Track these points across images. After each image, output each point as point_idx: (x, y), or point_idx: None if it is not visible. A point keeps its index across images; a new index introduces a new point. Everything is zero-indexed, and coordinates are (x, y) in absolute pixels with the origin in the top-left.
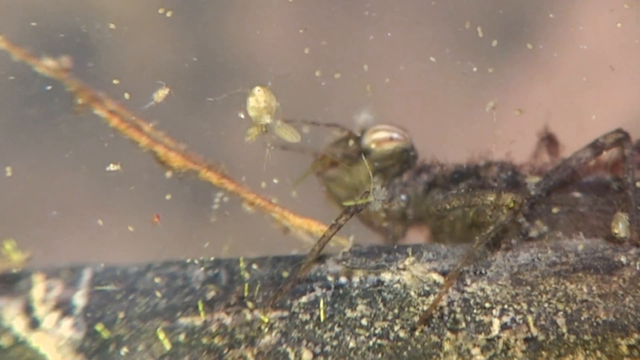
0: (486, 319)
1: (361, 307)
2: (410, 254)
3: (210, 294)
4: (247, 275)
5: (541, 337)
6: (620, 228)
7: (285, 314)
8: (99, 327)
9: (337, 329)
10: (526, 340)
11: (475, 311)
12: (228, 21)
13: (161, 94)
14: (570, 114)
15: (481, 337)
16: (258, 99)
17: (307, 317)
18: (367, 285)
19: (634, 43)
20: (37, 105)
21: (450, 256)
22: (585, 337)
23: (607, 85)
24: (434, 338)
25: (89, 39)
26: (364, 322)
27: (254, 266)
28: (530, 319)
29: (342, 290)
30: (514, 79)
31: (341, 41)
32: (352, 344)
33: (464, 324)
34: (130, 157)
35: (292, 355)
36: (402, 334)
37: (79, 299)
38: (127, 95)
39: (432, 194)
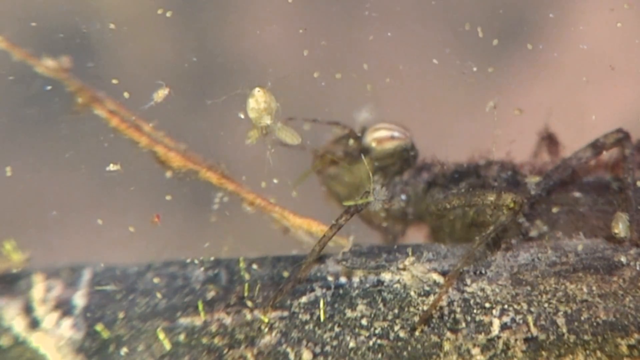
0: (486, 319)
1: (361, 307)
2: (410, 254)
3: (210, 294)
4: (247, 275)
5: (541, 337)
6: (620, 228)
7: (285, 314)
8: (99, 327)
9: (337, 329)
10: (526, 340)
11: (475, 311)
12: (228, 21)
13: (161, 94)
14: (570, 114)
15: (481, 337)
16: (258, 100)
17: (307, 317)
18: (367, 285)
19: (634, 43)
20: (37, 105)
21: (450, 256)
22: (585, 337)
23: (607, 85)
24: (434, 338)
25: (89, 39)
26: (364, 322)
27: (254, 266)
28: (530, 319)
29: (342, 290)
30: (514, 79)
31: (341, 41)
32: (352, 344)
33: (464, 324)
34: (130, 157)
35: (292, 355)
36: (402, 334)
37: (79, 299)
38: (126, 95)
39: (432, 192)
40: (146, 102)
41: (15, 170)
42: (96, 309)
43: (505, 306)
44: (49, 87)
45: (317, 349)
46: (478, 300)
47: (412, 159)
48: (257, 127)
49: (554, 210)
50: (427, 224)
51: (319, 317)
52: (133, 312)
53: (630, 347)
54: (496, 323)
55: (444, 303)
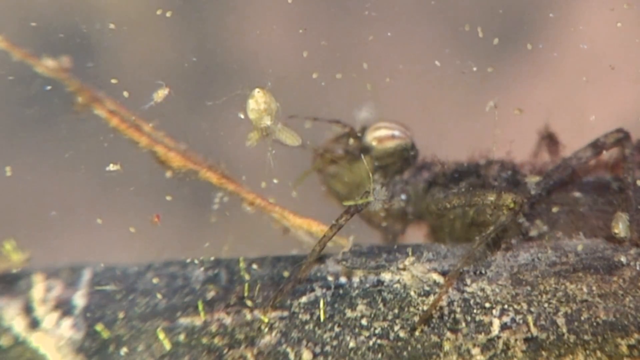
0: (486, 319)
1: (361, 307)
2: (410, 254)
3: (210, 294)
4: (247, 276)
5: (541, 337)
6: (620, 228)
7: (285, 314)
8: (99, 327)
9: (337, 329)
10: (526, 340)
11: (475, 311)
12: (228, 21)
13: (161, 94)
14: (570, 114)
15: (481, 337)
16: (258, 101)
17: (307, 317)
18: (367, 285)
19: (634, 43)
20: (37, 105)
21: (450, 256)
22: (585, 337)
23: (607, 85)
24: (434, 338)
25: (89, 39)
26: (364, 322)
27: (254, 266)
28: (530, 319)
29: (342, 290)
30: (514, 79)
31: (341, 41)
32: (352, 344)
33: (464, 324)
34: (130, 157)
35: (292, 355)
36: (402, 334)
37: (79, 299)
38: (126, 94)
39: (432, 192)
40: (146, 102)
41: (15, 170)
42: (96, 309)
43: (505, 306)
44: (49, 87)
45: (317, 349)
46: (478, 300)
47: (413, 158)
48: (257, 128)
49: (554, 210)
50: (427, 223)
51: (319, 317)
52: (133, 312)
53: (630, 347)
54: (496, 323)
55: (444, 303)
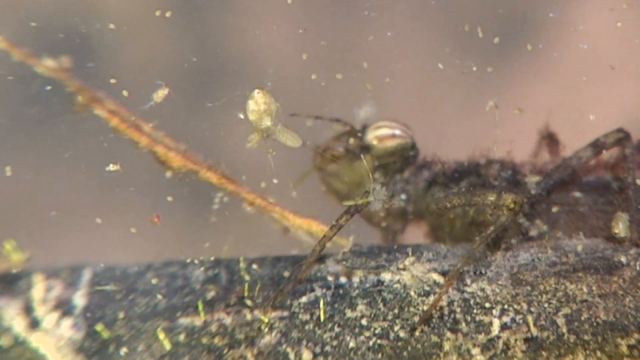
0: (486, 319)
1: (361, 307)
2: (410, 254)
3: (210, 294)
4: (247, 276)
5: (541, 337)
6: (620, 228)
7: (285, 314)
8: (99, 327)
9: (337, 329)
10: (526, 340)
11: (475, 311)
12: (228, 21)
13: (161, 94)
14: (570, 113)
15: (481, 337)
16: (257, 102)
17: (307, 317)
18: (367, 285)
19: (634, 43)
20: (37, 105)
21: (450, 256)
22: (585, 337)
23: (607, 85)
24: (434, 338)
25: (89, 39)
26: (364, 322)
27: (254, 266)
28: (530, 319)
29: (342, 290)
30: (514, 79)
31: (341, 41)
32: (352, 344)
33: (464, 324)
34: (130, 157)
35: (292, 355)
36: (402, 334)
37: (79, 299)
38: (125, 94)
39: (432, 191)
40: (146, 102)
41: (15, 170)
42: (96, 309)
43: (505, 306)
44: (49, 87)
45: (317, 349)
46: (478, 300)
47: (413, 157)
48: (257, 129)
49: (554, 210)
50: (427, 223)
51: (319, 317)
52: (133, 312)
53: (630, 347)
54: (496, 323)
55: (444, 303)
